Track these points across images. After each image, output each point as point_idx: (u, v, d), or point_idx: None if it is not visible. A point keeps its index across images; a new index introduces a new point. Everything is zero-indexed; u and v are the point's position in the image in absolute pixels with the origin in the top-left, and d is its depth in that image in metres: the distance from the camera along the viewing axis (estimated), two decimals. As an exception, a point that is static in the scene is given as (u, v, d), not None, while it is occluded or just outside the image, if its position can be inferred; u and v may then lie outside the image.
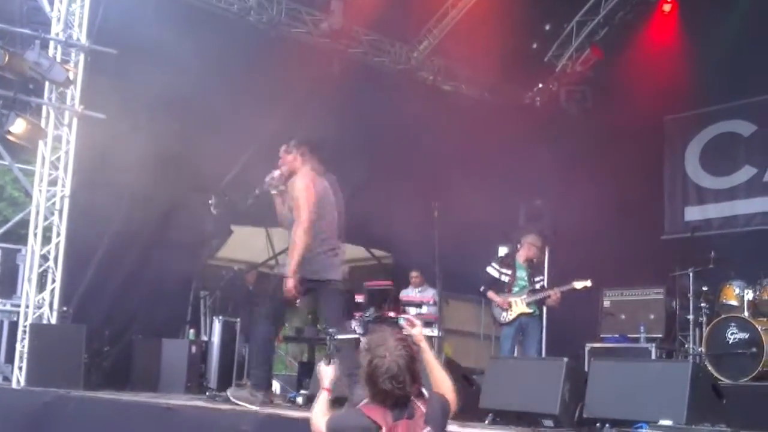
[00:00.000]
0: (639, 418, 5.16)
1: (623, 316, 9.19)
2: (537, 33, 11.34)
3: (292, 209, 6.00)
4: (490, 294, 8.27)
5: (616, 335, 9.05)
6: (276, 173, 6.16)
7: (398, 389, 3.03)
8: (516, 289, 8.24)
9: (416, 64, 11.02)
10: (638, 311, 9.09)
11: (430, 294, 9.37)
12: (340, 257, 6.24)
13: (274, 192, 6.18)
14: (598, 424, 5.44)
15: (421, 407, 3.11)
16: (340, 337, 5.51)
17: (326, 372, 3.52)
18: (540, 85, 11.90)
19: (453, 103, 11.20)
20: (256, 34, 9.72)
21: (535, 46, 11.49)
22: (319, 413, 3.31)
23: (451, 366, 6.15)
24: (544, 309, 8.51)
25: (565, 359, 5.88)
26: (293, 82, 9.44)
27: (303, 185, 5.94)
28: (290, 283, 5.84)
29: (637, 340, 8.77)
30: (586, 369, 6.70)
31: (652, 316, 8.97)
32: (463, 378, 6.44)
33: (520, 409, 5.88)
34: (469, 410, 5.70)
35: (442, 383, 3.30)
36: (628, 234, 9.91)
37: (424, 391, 3.16)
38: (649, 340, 8.67)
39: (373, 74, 10.57)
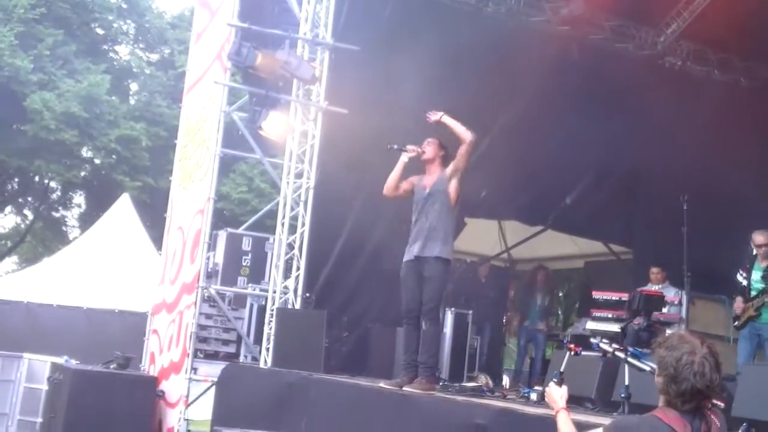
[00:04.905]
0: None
1: None
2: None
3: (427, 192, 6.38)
4: (735, 301, 7.71)
5: None
6: (418, 148, 6.45)
7: (708, 389, 2.81)
8: (753, 293, 7.63)
9: (663, 48, 10.37)
10: None
11: (672, 293, 8.80)
12: None
13: (405, 159, 6.45)
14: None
15: (716, 421, 2.88)
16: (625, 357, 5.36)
17: (559, 392, 3.34)
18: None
19: (703, 88, 10.41)
20: (493, 25, 9.62)
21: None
22: None
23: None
24: None
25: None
26: (531, 72, 9.23)
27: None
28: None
29: None
30: None
31: None
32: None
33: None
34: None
35: None
36: None
37: (716, 402, 2.92)
38: None
39: (614, 61, 10.09)
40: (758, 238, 7.67)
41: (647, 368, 5.08)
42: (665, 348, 2.87)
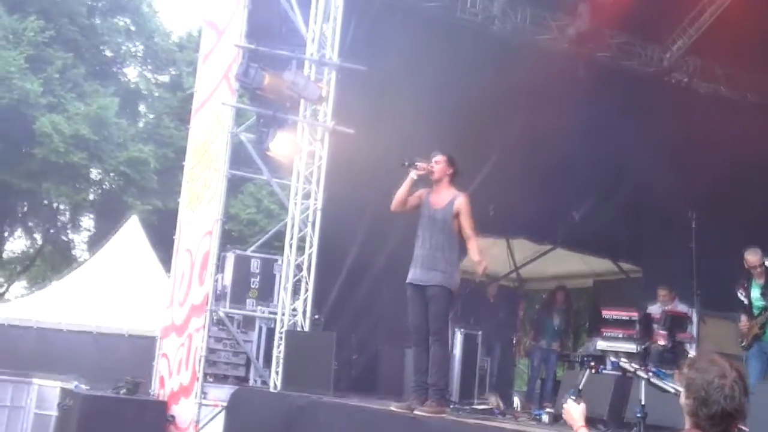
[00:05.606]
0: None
1: None
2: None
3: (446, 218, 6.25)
4: (741, 320, 7.68)
5: None
6: (428, 166, 6.32)
7: (737, 413, 2.76)
8: (756, 311, 7.62)
9: (669, 65, 10.36)
10: None
11: (683, 310, 8.71)
12: None
13: (413, 176, 6.29)
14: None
15: None
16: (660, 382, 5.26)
17: (577, 409, 3.32)
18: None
19: (710, 104, 10.39)
20: (499, 44, 9.63)
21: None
22: None
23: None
24: None
25: None
26: (537, 90, 9.23)
27: (468, 207, 6.27)
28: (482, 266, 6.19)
29: None
30: None
31: None
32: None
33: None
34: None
35: None
36: None
37: (742, 427, 2.88)
38: None
39: (620, 78, 10.08)
40: (751, 258, 7.58)
41: (671, 390, 5.00)
42: (695, 370, 2.83)
